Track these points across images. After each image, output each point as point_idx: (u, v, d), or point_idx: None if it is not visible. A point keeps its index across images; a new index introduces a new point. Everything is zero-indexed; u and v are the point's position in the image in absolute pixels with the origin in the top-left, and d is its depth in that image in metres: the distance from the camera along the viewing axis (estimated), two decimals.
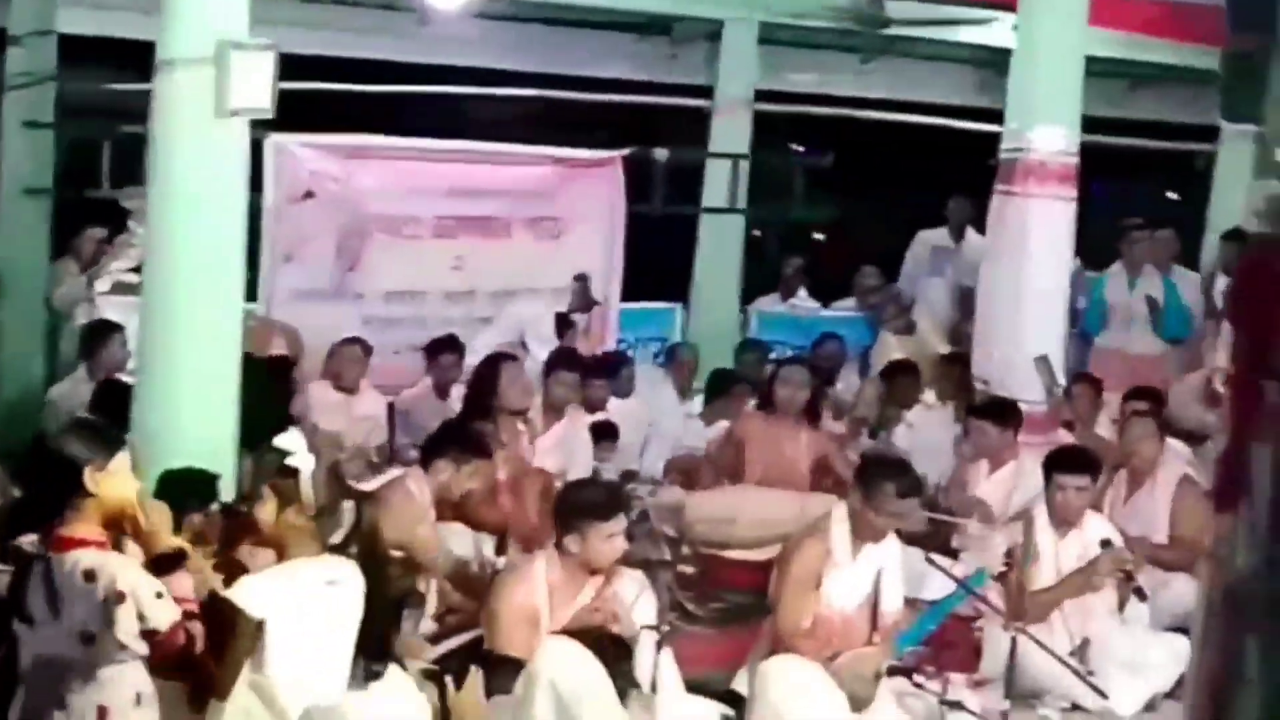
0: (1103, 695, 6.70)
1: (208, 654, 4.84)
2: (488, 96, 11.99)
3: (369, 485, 6.96)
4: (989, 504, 8.55)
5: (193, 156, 6.67)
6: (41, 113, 10.31)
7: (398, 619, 5.81)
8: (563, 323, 10.60)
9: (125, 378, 8.04)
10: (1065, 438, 8.94)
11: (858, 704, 6.26)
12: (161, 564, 4.78)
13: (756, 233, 13.72)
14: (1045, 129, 9.03)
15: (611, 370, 10.30)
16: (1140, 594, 7.25)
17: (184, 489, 5.83)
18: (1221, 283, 10.58)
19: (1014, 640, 6.07)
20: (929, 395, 10.48)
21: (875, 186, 15.63)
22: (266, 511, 6.14)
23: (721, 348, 11.50)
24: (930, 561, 6.74)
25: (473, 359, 9.36)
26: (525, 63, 12.21)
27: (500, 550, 7.81)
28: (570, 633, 5.75)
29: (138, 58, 6.93)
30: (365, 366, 9.53)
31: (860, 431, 10.39)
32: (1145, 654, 7.16)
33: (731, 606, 7.90)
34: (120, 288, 9.68)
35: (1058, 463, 7.53)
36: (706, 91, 12.47)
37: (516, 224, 10.70)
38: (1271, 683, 2.70)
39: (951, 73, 13.70)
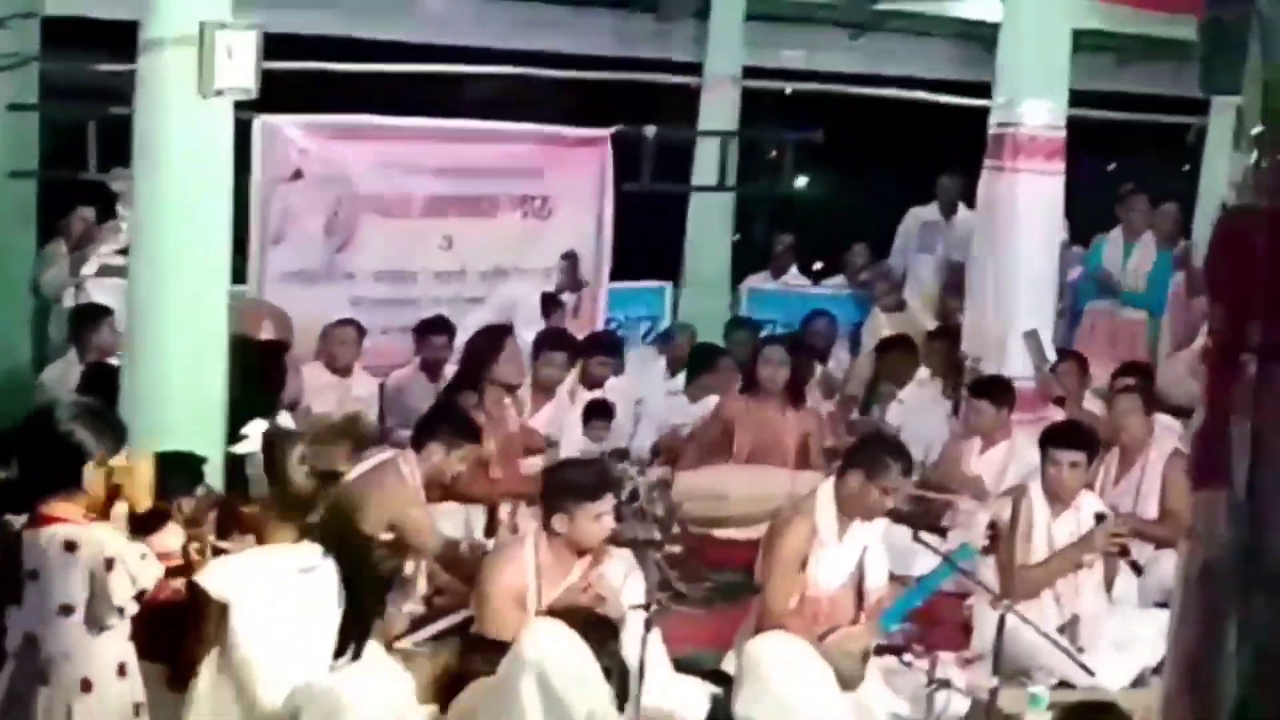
0: (1089, 673, 6.69)
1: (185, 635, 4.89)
2: (476, 75, 11.97)
3: (359, 468, 6.96)
4: (982, 481, 8.56)
5: (177, 137, 6.62)
6: (26, 95, 10.25)
7: (382, 602, 5.79)
8: (549, 302, 10.59)
9: (116, 361, 8.02)
10: (1056, 414, 8.94)
11: (846, 682, 6.25)
12: (144, 523, 4.83)
13: (746, 210, 13.69)
14: (1033, 103, 9.03)
15: (614, 347, 10.30)
16: (1136, 567, 7.23)
17: (170, 471, 5.81)
18: None
19: (1002, 618, 6.05)
20: (922, 372, 10.47)
21: (865, 163, 15.61)
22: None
23: (712, 326, 11.49)
24: (918, 539, 6.72)
25: (463, 339, 9.35)
26: (513, 41, 12.20)
27: (490, 532, 7.81)
28: (557, 613, 5.73)
29: (123, 39, 6.89)
30: (359, 348, 9.54)
31: (851, 409, 10.39)
32: (1134, 630, 7.14)
33: (721, 585, 7.91)
34: (108, 270, 9.66)
35: (1054, 438, 7.49)
36: (695, 68, 12.44)
37: (505, 203, 10.69)
38: (1246, 658, 2.69)
39: (940, 47, 13.68)
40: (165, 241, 6.69)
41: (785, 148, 12.24)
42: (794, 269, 13.00)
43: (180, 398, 6.57)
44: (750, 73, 12.43)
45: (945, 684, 6.11)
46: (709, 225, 12.34)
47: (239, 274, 8.73)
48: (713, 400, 9.47)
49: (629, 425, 10.07)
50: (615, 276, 11.29)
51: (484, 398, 8.17)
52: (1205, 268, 2.86)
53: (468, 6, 12.16)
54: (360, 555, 5.29)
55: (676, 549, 8.04)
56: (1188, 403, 9.58)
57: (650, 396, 10.45)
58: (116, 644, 4.73)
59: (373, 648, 5.34)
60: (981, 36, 11.44)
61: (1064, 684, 6.86)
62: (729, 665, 6.46)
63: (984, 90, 9.67)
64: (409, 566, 6.75)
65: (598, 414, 9.50)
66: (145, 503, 4.91)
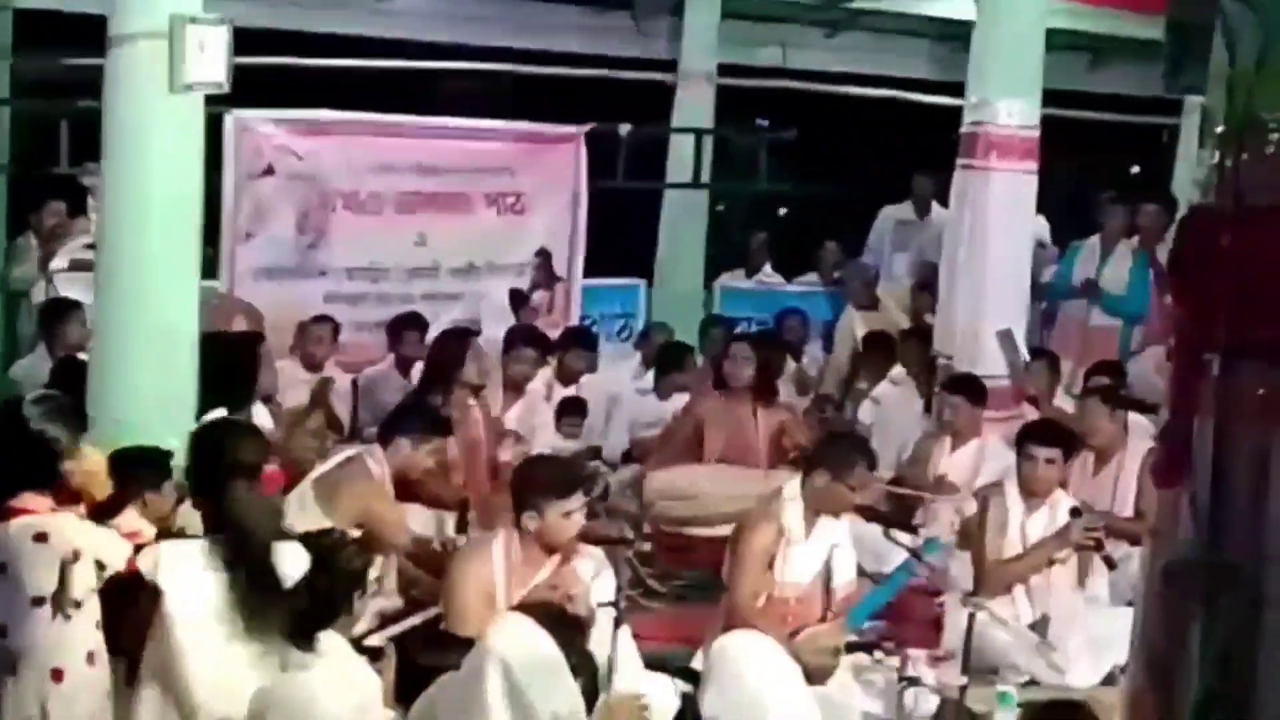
0: (1059, 671, 6.70)
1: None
2: (450, 71, 11.94)
3: (326, 464, 6.94)
4: (953, 480, 8.56)
5: (148, 132, 6.61)
6: None
7: (349, 599, 5.76)
8: (518, 299, 10.57)
9: (86, 356, 7.99)
10: (1030, 413, 8.95)
11: (816, 680, 6.25)
12: (104, 511, 4.86)
13: (720, 208, 13.70)
14: (1007, 102, 9.03)
15: (590, 342, 10.28)
16: (1109, 562, 7.24)
17: (137, 466, 5.79)
18: None
19: (972, 616, 6.05)
20: (897, 370, 10.47)
21: (840, 161, 15.62)
22: None
23: (686, 323, 11.48)
24: (889, 536, 6.73)
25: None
26: (486, 37, 12.17)
27: (461, 529, 7.78)
28: (526, 610, 5.71)
29: (94, 33, 6.86)
30: (335, 345, 9.53)
31: (825, 407, 10.38)
32: (1105, 628, 7.14)
33: (693, 583, 7.91)
34: (78, 265, 9.61)
35: (1031, 434, 7.49)
36: (670, 65, 12.43)
37: (478, 199, 10.66)
38: (1209, 658, 2.69)
39: (916, 46, 13.68)
40: (135, 237, 6.66)
41: (760, 145, 12.23)
42: (768, 266, 13.00)
43: (149, 393, 6.55)
44: (725, 70, 12.43)
45: (915, 681, 6.11)
46: (683, 223, 12.34)
47: (210, 269, 8.71)
48: (683, 399, 9.45)
49: (601, 423, 10.06)
50: (589, 274, 11.28)
51: (448, 399, 8.15)
52: (1169, 267, 2.86)
53: (442, 3, 12.14)
54: (327, 550, 5.26)
55: (648, 547, 8.04)
56: (1159, 401, 9.62)
57: (622, 394, 10.44)
58: (86, 632, 4.74)
59: (340, 645, 5.32)
60: (956, 35, 11.46)
61: (1033, 682, 6.87)
62: (699, 663, 6.45)
63: (959, 89, 9.69)
64: (378, 563, 6.72)
65: (570, 411, 9.48)
66: (103, 492, 4.92)
